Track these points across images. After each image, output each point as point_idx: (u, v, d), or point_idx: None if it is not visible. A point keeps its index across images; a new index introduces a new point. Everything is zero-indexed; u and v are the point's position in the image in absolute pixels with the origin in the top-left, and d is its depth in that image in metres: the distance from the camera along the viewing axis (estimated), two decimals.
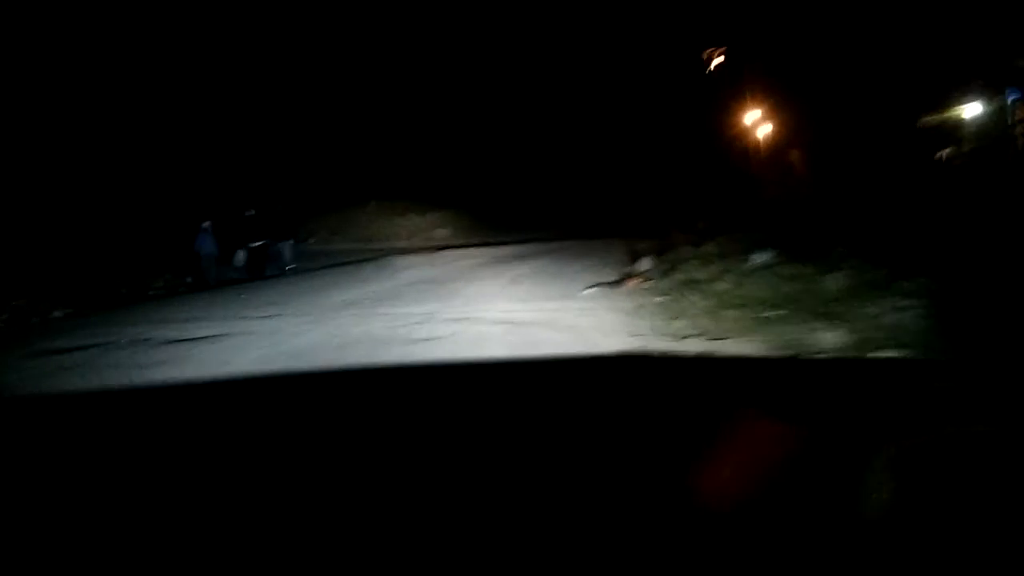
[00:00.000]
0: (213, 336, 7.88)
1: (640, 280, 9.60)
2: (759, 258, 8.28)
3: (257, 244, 15.47)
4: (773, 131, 23.26)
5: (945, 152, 25.93)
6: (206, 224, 13.87)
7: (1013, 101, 16.36)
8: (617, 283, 9.80)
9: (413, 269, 15.44)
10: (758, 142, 22.94)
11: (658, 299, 8.11)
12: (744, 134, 22.79)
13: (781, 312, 6.17)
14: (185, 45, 22.81)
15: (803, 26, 23.17)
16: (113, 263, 15.39)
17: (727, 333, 6.26)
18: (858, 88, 24.20)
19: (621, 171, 29.51)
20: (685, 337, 6.45)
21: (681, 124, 26.67)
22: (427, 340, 6.78)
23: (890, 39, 22.44)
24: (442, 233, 29.10)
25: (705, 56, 21.66)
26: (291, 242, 16.41)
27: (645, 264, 11.14)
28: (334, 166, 29.66)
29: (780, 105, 22.95)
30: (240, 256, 15.28)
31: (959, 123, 23.05)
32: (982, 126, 21.58)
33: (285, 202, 17.78)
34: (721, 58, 21.34)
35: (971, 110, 22.24)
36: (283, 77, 27.28)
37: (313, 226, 27.12)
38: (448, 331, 7.19)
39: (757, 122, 22.45)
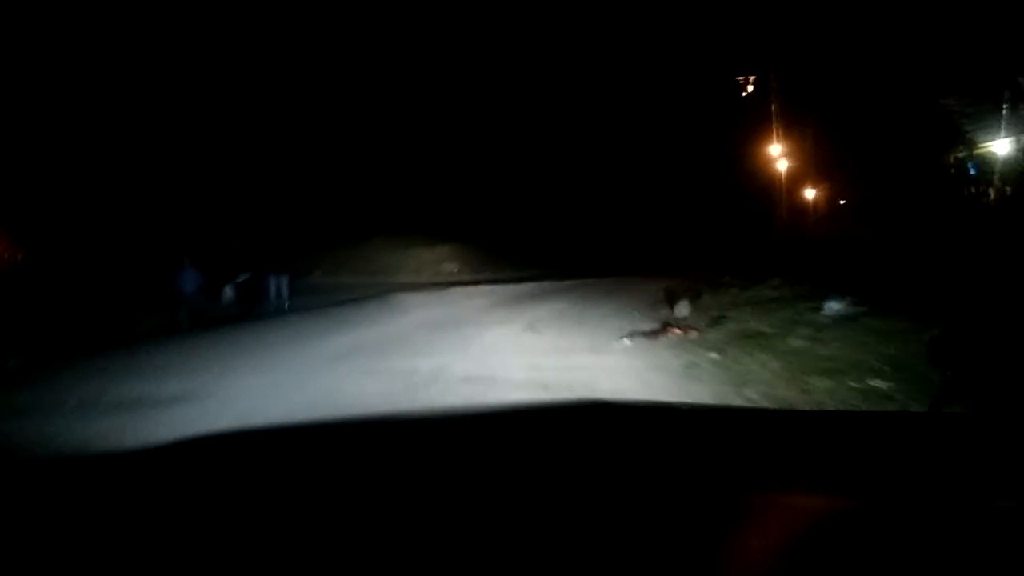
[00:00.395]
0: (175, 397, 6.53)
1: (684, 330, 8.19)
2: (835, 307, 6.85)
3: (244, 278, 14.08)
4: (803, 164, 22.10)
5: (976, 189, 24.78)
6: (185, 258, 12.56)
7: None
8: (655, 332, 8.40)
9: (420, 309, 14.12)
10: (787, 175, 21.74)
11: (713, 355, 6.69)
12: (774, 165, 21.58)
13: (892, 383, 4.74)
14: (188, 69, 21.91)
15: (836, 58, 22.20)
16: (99, 303, 14.18)
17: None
18: (888, 121, 23.15)
19: (643, 202, 28.19)
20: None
21: (709, 153, 25.42)
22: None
23: (920, 72, 21.48)
24: (450, 268, 27.92)
25: (738, 82, 20.61)
26: (287, 276, 15.01)
27: (683, 309, 9.77)
28: (342, 201, 28.90)
29: (811, 138, 21.76)
30: (228, 293, 13.89)
31: (991, 160, 21.89)
32: (1013, 163, 20.45)
33: (281, 233, 16.50)
34: (751, 87, 20.27)
35: (1002, 147, 21.11)
36: (294, 113, 26.55)
37: (318, 260, 25.97)
38: (461, 397, 5.82)
39: (787, 154, 21.27)
